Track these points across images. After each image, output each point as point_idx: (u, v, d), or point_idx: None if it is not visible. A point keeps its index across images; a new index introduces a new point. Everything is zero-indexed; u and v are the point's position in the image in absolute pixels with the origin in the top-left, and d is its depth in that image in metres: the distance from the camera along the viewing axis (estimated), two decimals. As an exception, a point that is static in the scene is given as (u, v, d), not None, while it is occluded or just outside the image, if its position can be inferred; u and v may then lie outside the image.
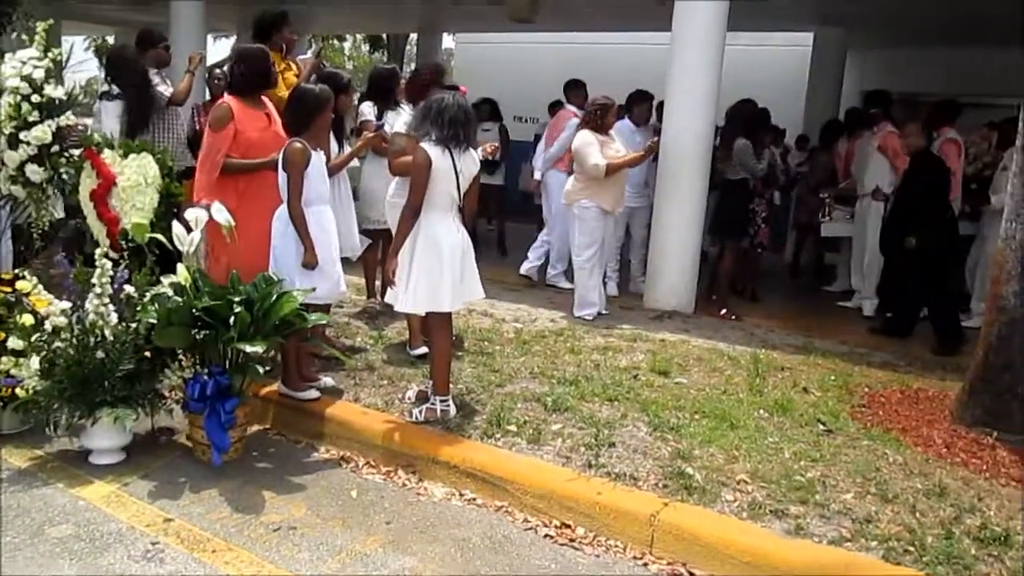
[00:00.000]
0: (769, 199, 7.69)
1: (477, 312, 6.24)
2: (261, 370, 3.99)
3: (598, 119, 6.30)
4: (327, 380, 4.59)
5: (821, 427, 4.33)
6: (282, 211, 4.34)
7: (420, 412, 4.23)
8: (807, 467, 3.81)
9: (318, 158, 4.33)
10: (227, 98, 4.63)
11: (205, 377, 3.85)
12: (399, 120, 5.63)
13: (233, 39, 16.86)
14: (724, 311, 6.96)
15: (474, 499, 3.74)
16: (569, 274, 7.21)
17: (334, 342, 5.16)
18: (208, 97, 7.26)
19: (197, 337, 3.82)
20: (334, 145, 5.27)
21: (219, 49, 20.80)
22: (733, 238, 7.37)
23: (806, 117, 10.66)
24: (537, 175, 8.03)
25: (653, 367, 5.18)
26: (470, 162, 4.24)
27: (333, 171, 4.75)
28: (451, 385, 4.39)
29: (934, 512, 3.47)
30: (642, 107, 7.54)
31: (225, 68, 6.01)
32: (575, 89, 7.96)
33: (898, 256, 6.55)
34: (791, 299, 8.51)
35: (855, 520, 3.37)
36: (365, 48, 24.44)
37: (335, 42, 27.42)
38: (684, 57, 6.81)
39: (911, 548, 3.18)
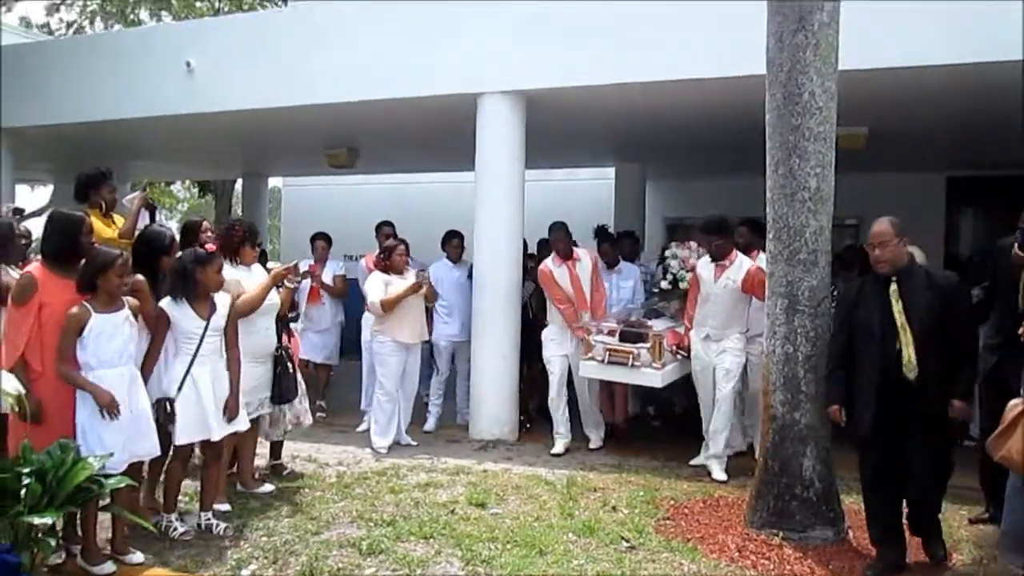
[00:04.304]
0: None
1: (301, 458, 6.21)
2: (53, 543, 3.82)
3: (385, 260, 6.81)
4: (135, 556, 4.35)
5: (625, 544, 4.56)
6: None
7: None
8: (608, 586, 4.01)
9: (104, 320, 4.17)
10: (33, 267, 4.33)
11: (-9, 557, 3.65)
12: None
13: (50, 188, 16.35)
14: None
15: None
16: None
17: (140, 508, 4.86)
18: None
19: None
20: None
21: (37, 198, 19.82)
22: (528, 361, 7.56)
23: (615, 243, 11.39)
24: None
25: (471, 500, 5.31)
26: None
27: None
28: (265, 537, 4.35)
29: (722, 617, 3.73)
30: (451, 244, 7.83)
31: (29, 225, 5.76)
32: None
33: None
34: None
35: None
36: (195, 190, 24.37)
37: (163, 184, 26.91)
38: (487, 194, 7.29)
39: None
